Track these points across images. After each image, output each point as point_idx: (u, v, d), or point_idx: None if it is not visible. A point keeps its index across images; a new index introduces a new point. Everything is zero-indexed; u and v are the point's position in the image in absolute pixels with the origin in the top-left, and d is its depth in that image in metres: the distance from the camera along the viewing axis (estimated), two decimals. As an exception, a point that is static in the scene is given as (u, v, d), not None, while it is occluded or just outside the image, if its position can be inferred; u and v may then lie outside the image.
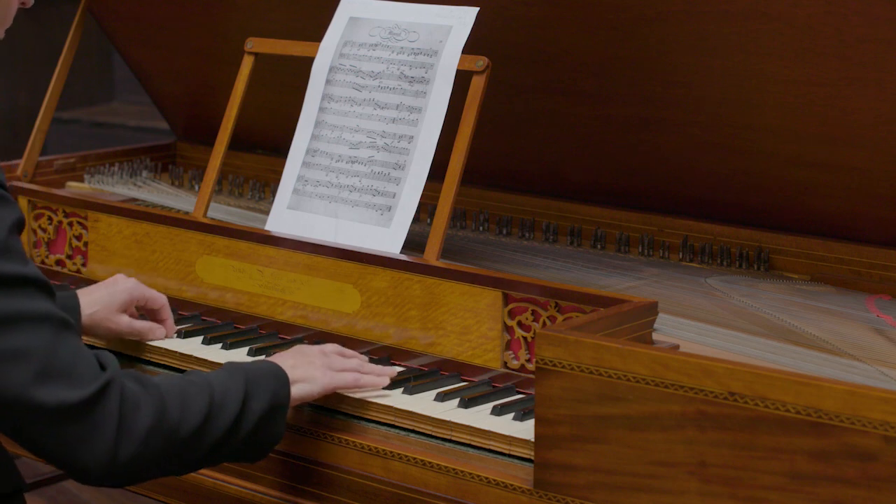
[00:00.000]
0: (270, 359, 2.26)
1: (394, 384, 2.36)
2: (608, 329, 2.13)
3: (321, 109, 2.73)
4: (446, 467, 2.17)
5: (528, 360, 2.34)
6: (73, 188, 3.32)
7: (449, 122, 2.56)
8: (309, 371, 2.25)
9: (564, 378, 2.01)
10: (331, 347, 2.37)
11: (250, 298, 2.67)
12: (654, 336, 2.26)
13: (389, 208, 2.58)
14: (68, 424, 1.92)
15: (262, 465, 2.37)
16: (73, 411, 1.91)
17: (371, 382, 2.33)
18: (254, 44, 2.86)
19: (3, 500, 2.20)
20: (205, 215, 2.80)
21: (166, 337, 2.60)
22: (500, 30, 2.70)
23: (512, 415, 2.22)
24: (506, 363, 2.37)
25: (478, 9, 2.60)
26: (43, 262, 3.02)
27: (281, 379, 2.19)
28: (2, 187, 1.93)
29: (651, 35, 2.59)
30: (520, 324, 2.36)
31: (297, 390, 2.21)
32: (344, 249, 2.55)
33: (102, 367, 1.96)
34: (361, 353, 2.51)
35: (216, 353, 2.54)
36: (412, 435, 2.25)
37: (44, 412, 1.90)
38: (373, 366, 2.38)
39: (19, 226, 1.92)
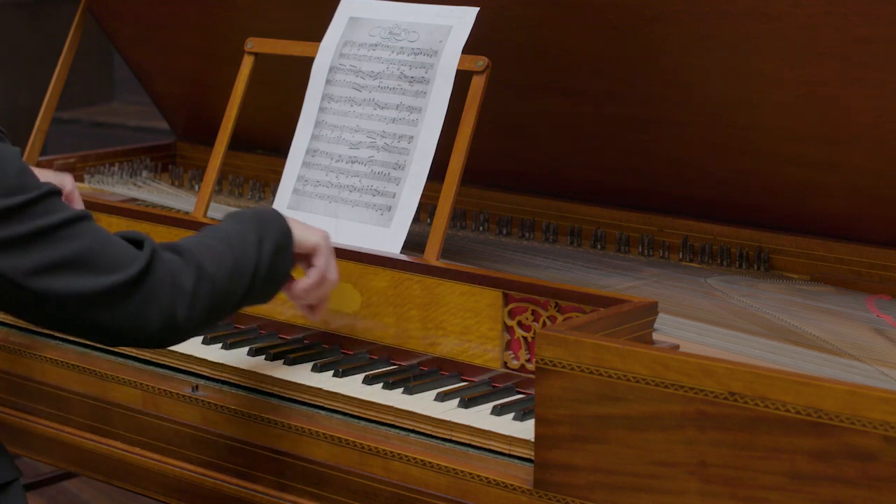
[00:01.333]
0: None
1: (393, 384, 2.36)
2: (608, 329, 2.13)
3: (321, 109, 2.73)
4: (446, 467, 2.17)
5: (528, 360, 2.34)
6: (73, 188, 3.32)
7: (449, 122, 2.56)
8: (306, 229, 2.36)
9: (564, 378, 2.01)
10: None
11: (250, 298, 2.66)
12: (654, 336, 2.26)
13: (389, 208, 2.58)
14: (131, 299, 2.08)
15: (262, 465, 2.37)
16: (131, 289, 2.07)
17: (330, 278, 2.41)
18: (254, 44, 2.86)
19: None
20: (205, 215, 2.80)
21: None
22: (500, 30, 2.70)
23: (512, 415, 2.22)
24: (506, 363, 2.37)
25: (478, 9, 2.60)
26: (43, 262, 3.01)
27: (283, 221, 2.31)
28: None
29: (651, 35, 2.59)
30: (520, 324, 2.36)
31: (299, 233, 2.32)
32: (344, 249, 2.55)
33: (138, 243, 2.12)
34: (361, 353, 2.52)
35: (216, 354, 2.54)
36: (412, 435, 2.25)
37: (107, 297, 2.06)
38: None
39: (22, 154, 2.09)
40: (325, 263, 2.36)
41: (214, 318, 2.20)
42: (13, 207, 2.00)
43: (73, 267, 2.03)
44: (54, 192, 2.05)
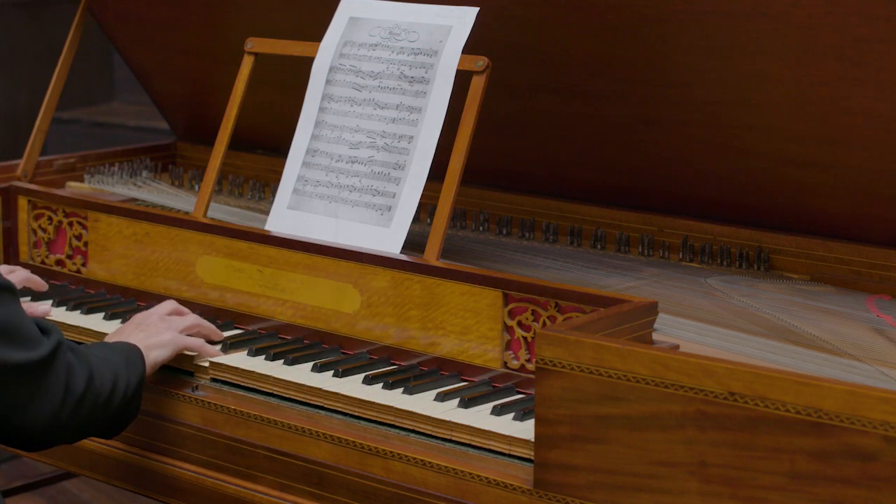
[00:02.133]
0: (124, 337, 2.42)
1: (393, 384, 2.36)
2: (608, 329, 2.13)
3: (321, 109, 2.73)
4: (446, 467, 2.17)
5: (528, 360, 2.34)
6: (73, 188, 3.32)
7: (449, 122, 2.56)
8: (157, 338, 2.44)
9: (564, 378, 2.01)
10: (167, 307, 2.54)
11: (250, 298, 2.67)
12: (654, 336, 2.26)
13: (389, 208, 2.58)
14: (25, 383, 2.09)
15: (262, 465, 2.37)
16: (30, 370, 2.09)
17: (210, 352, 2.52)
18: (254, 44, 2.86)
19: None
20: (205, 215, 2.80)
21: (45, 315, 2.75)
22: (500, 30, 2.70)
23: (512, 415, 2.22)
24: (506, 363, 2.37)
25: (478, 9, 2.60)
26: (43, 262, 3.02)
27: (142, 357, 2.39)
28: None
29: (651, 35, 2.59)
30: (520, 324, 2.36)
31: (152, 360, 2.41)
32: (344, 249, 2.55)
33: (44, 331, 2.14)
34: (361, 353, 2.52)
35: (217, 355, 2.54)
36: (412, 435, 2.25)
37: (10, 373, 2.07)
38: (209, 325, 2.57)
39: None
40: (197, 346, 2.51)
41: (82, 433, 2.25)
42: None
43: None
44: None
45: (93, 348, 2.32)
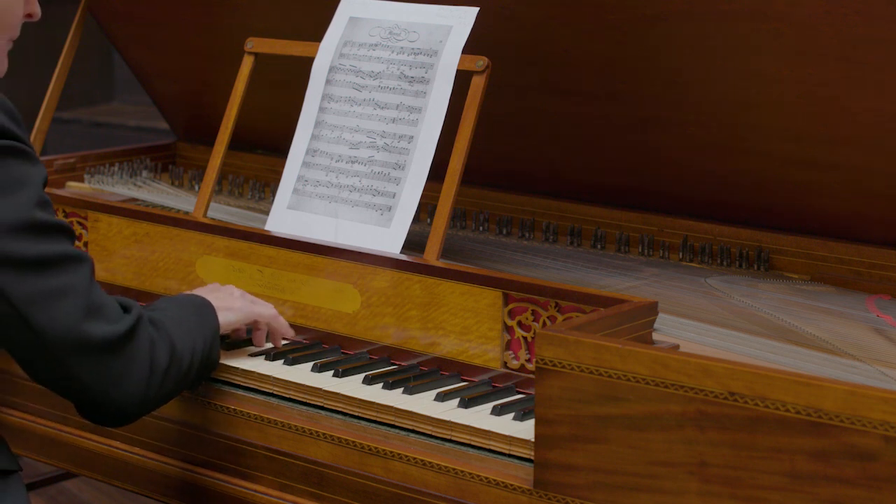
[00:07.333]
0: (197, 293, 2.45)
1: (393, 384, 2.36)
2: (608, 329, 2.13)
3: (321, 109, 2.73)
4: (446, 467, 2.17)
5: (528, 360, 2.34)
6: (73, 188, 3.32)
7: (449, 122, 2.56)
8: (229, 301, 2.45)
9: (564, 378, 2.01)
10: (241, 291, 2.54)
11: (250, 298, 2.67)
12: (654, 336, 2.26)
13: (389, 208, 2.58)
14: (112, 359, 2.09)
15: (262, 465, 2.37)
16: (115, 345, 2.09)
17: (284, 325, 2.53)
18: (254, 44, 2.86)
19: None
20: (205, 215, 2.80)
21: None
22: (500, 30, 2.70)
23: (512, 415, 2.22)
24: (506, 363, 2.37)
25: (478, 9, 2.60)
26: (43, 262, 3.01)
27: (214, 312, 2.40)
28: (27, 145, 2.13)
29: (651, 35, 2.59)
30: (520, 324, 2.36)
31: (223, 318, 2.41)
32: (344, 249, 2.55)
33: (125, 307, 2.14)
34: (361, 353, 2.52)
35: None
36: (412, 435, 2.25)
37: (92, 346, 2.07)
38: (283, 324, 2.56)
39: (46, 181, 2.13)
40: (262, 333, 2.52)
41: (168, 399, 2.25)
42: (24, 227, 2.02)
43: (71, 298, 2.04)
44: (67, 229, 2.08)
45: (165, 309, 2.31)
